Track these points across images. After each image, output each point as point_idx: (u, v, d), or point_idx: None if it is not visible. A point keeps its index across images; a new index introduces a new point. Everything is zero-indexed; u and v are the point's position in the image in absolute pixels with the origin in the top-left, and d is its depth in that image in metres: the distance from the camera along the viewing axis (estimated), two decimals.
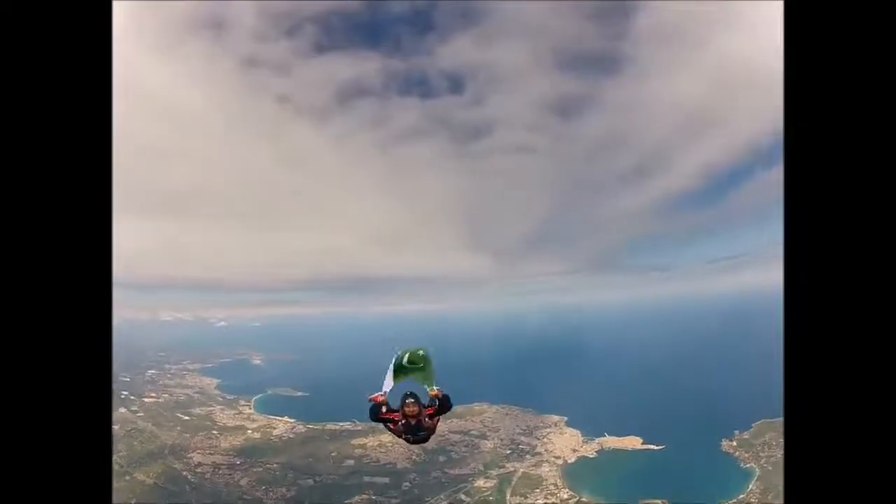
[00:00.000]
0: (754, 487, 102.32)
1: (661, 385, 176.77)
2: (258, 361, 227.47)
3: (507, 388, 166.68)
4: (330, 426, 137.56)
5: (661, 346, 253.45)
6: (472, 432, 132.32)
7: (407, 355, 16.30)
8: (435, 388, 16.04)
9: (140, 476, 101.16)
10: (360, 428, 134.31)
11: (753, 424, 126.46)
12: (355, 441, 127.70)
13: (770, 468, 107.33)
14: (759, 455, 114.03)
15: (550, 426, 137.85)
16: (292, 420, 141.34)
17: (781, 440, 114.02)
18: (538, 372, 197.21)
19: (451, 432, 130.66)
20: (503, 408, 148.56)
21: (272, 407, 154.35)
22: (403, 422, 15.48)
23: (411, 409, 15.30)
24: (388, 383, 15.86)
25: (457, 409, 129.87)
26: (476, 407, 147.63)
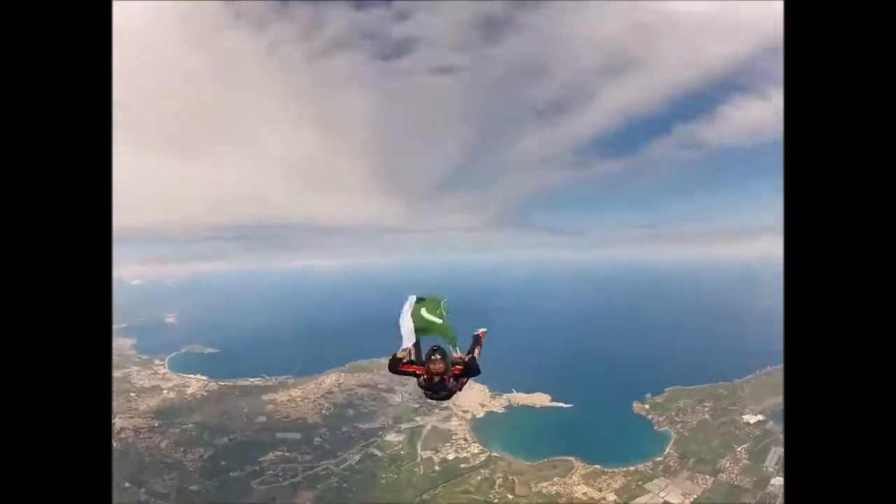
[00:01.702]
0: (672, 451, 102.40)
1: (569, 346, 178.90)
2: (171, 320, 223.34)
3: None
4: (241, 382, 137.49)
5: (569, 309, 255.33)
6: (380, 386, 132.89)
7: (423, 308, 14.83)
8: (459, 350, 14.40)
9: None
10: (270, 383, 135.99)
11: (666, 389, 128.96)
12: (266, 396, 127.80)
13: (687, 434, 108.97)
14: (675, 420, 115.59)
15: None
16: (205, 378, 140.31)
17: (698, 407, 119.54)
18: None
19: (358, 386, 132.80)
20: None
21: (186, 365, 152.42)
22: (426, 377, 13.91)
23: (437, 366, 13.69)
24: (409, 338, 14.29)
25: (362, 362, 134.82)
26: (382, 361, 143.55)
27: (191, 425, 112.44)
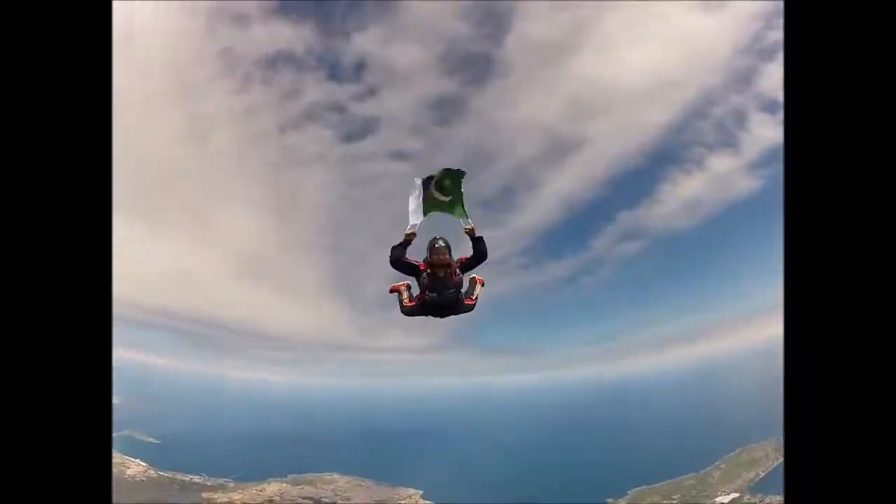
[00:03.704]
0: None
1: (523, 462, 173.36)
2: (116, 401, 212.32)
3: (360, 461, 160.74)
4: (180, 476, 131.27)
5: (522, 428, 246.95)
6: (324, 500, 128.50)
7: (437, 176, 12.80)
8: (470, 222, 12.73)
9: None
10: (209, 483, 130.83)
11: (629, 491, 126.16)
12: (205, 495, 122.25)
13: None
14: None
15: (405, 499, 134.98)
16: (144, 464, 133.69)
17: (665, 502, 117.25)
18: (393, 448, 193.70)
19: (301, 498, 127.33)
20: (355, 479, 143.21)
21: (126, 448, 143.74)
22: (428, 272, 12.42)
23: (441, 256, 12.26)
24: (417, 216, 12.58)
25: (307, 476, 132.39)
26: (327, 476, 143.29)
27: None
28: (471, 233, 12.63)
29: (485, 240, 12.71)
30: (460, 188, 12.80)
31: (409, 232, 12.47)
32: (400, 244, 12.52)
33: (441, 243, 12.22)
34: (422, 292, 12.58)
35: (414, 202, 12.58)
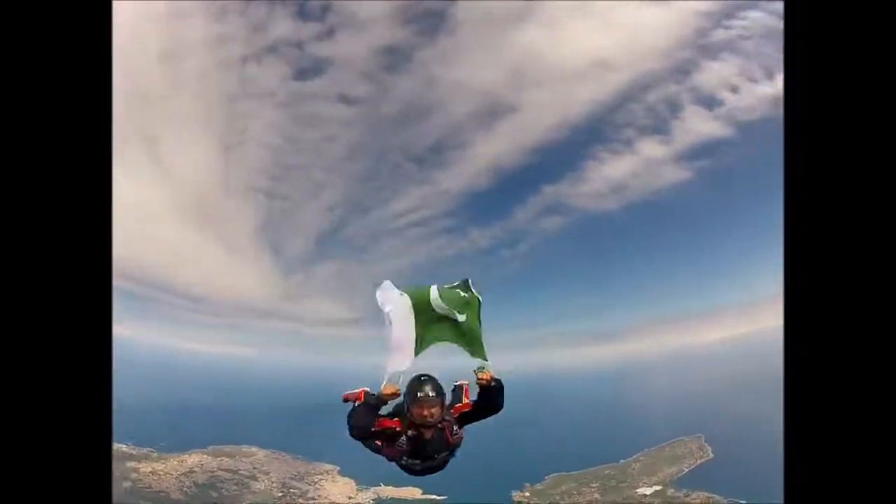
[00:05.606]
0: None
1: None
2: None
3: (277, 435, 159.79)
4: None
5: None
6: (242, 472, 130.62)
7: (438, 293, 8.42)
8: (489, 364, 8.62)
9: None
10: (134, 452, 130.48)
11: (546, 477, 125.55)
12: (130, 464, 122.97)
13: None
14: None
15: (322, 474, 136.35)
16: None
17: (584, 489, 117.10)
18: (311, 424, 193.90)
19: (220, 469, 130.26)
20: (273, 452, 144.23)
21: None
22: (409, 435, 8.14)
23: (429, 410, 7.88)
24: (403, 356, 8.45)
25: (226, 448, 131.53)
26: (245, 448, 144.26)
27: None
28: (487, 383, 8.45)
29: (502, 385, 8.61)
30: (477, 302, 8.75)
31: (386, 392, 8.29)
32: (364, 405, 8.42)
33: (429, 392, 7.96)
34: (396, 454, 8.48)
35: (396, 326, 8.39)
